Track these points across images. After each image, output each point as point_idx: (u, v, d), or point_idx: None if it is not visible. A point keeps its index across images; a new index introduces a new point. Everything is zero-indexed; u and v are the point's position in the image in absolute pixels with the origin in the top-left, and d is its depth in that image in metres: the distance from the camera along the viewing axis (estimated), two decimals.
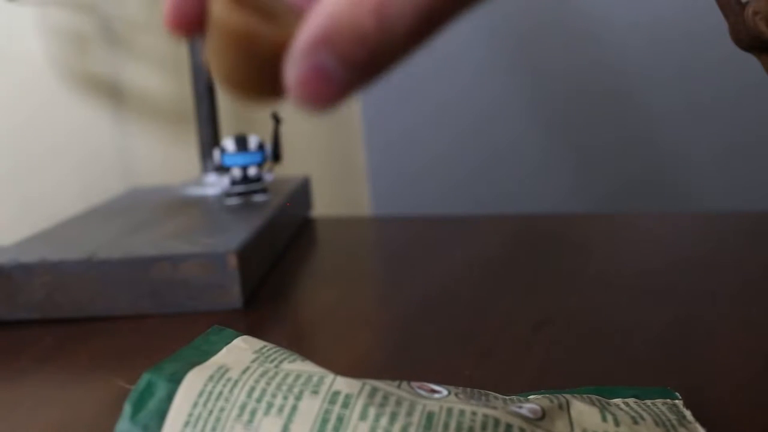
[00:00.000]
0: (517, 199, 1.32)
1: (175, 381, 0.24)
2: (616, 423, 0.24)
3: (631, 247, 0.52)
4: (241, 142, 0.60)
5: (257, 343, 0.28)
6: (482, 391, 0.27)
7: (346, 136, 1.33)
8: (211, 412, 0.23)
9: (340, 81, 0.14)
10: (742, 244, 0.51)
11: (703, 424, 0.28)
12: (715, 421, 0.29)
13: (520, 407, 0.24)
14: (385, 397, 0.23)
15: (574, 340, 0.38)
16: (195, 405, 0.23)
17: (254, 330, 0.42)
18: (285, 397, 0.23)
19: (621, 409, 0.26)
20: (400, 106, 1.35)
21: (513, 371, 0.34)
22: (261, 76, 0.15)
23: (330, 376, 0.24)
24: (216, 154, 0.60)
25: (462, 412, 0.23)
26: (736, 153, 1.19)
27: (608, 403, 0.26)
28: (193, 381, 0.24)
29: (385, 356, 0.37)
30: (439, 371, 0.35)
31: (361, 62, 0.14)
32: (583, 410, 0.25)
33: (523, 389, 0.33)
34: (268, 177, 0.61)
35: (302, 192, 0.67)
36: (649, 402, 0.27)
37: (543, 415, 0.24)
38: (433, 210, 1.37)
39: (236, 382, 0.24)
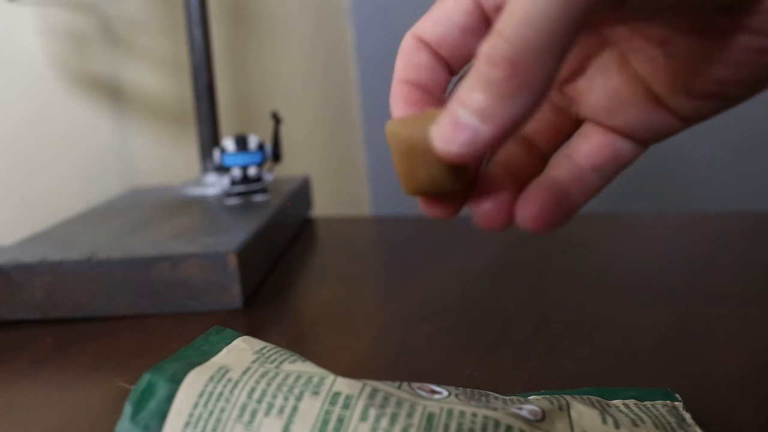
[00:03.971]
0: None
1: (176, 381, 0.24)
2: (616, 425, 0.24)
3: (631, 247, 0.52)
4: (241, 142, 0.60)
5: (257, 344, 0.28)
6: (482, 391, 0.27)
7: (346, 136, 1.33)
8: (211, 412, 0.23)
9: None
10: (742, 244, 0.51)
11: (702, 425, 0.28)
12: (714, 421, 0.29)
13: (521, 408, 0.24)
14: (386, 398, 0.23)
15: (574, 340, 0.38)
16: (195, 405, 0.23)
17: (254, 330, 0.42)
18: (285, 398, 0.23)
19: (621, 411, 0.26)
20: None
21: (513, 371, 0.34)
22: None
23: (330, 377, 0.24)
24: (216, 154, 0.60)
25: (462, 414, 0.23)
26: (736, 153, 1.19)
27: (608, 405, 0.26)
28: (194, 381, 0.24)
29: (385, 356, 0.37)
30: (439, 371, 0.35)
31: None
32: (583, 412, 0.25)
33: (523, 389, 0.32)
34: (268, 177, 0.61)
35: (302, 192, 0.67)
36: (648, 404, 0.27)
37: (543, 417, 0.24)
38: None
39: (237, 383, 0.24)
